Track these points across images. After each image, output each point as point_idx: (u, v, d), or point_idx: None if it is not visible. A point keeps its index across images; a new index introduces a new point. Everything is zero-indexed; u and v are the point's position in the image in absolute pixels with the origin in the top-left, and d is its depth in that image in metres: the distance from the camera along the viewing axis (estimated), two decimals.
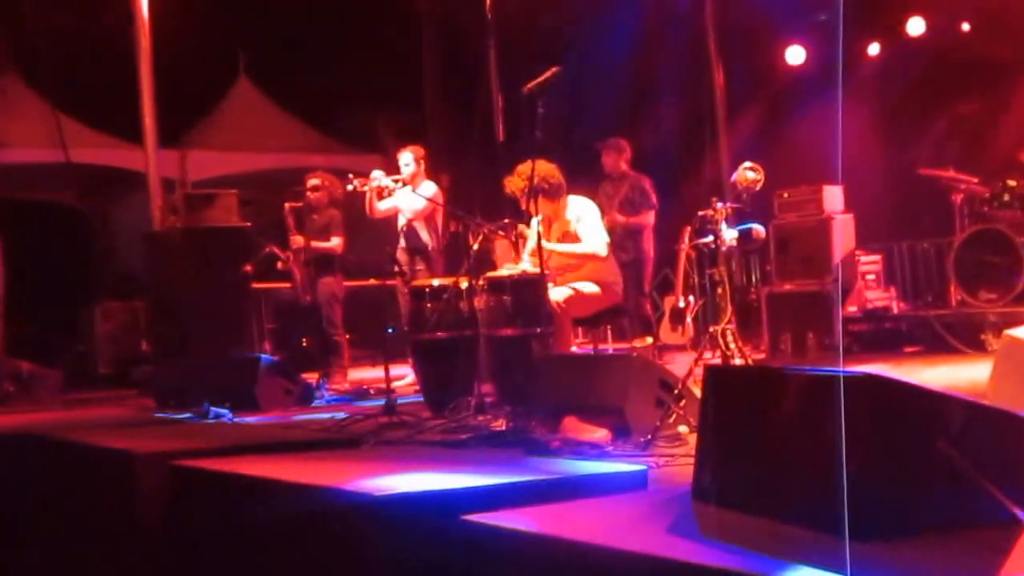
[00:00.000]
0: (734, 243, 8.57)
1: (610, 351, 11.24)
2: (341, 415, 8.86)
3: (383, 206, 11.41)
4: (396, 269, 10.50)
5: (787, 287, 12.60)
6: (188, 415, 9.42)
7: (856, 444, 3.23)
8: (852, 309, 12.34)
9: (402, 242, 11.30)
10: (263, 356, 11.20)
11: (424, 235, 11.27)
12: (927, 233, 13.74)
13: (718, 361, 8.13)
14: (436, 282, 9.30)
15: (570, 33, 15.24)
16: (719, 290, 8.35)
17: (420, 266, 11.21)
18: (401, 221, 11.37)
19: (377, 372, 11.35)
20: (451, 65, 18.25)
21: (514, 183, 8.82)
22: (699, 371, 6.85)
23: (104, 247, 18.89)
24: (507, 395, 8.28)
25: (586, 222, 9.11)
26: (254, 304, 13.05)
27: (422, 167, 11.37)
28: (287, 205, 11.68)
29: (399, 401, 8.85)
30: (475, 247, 8.82)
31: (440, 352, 8.97)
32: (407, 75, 18.69)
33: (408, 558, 4.09)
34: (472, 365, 8.52)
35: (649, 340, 11.26)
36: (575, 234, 9.13)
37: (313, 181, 11.84)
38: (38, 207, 18.07)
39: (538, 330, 8.16)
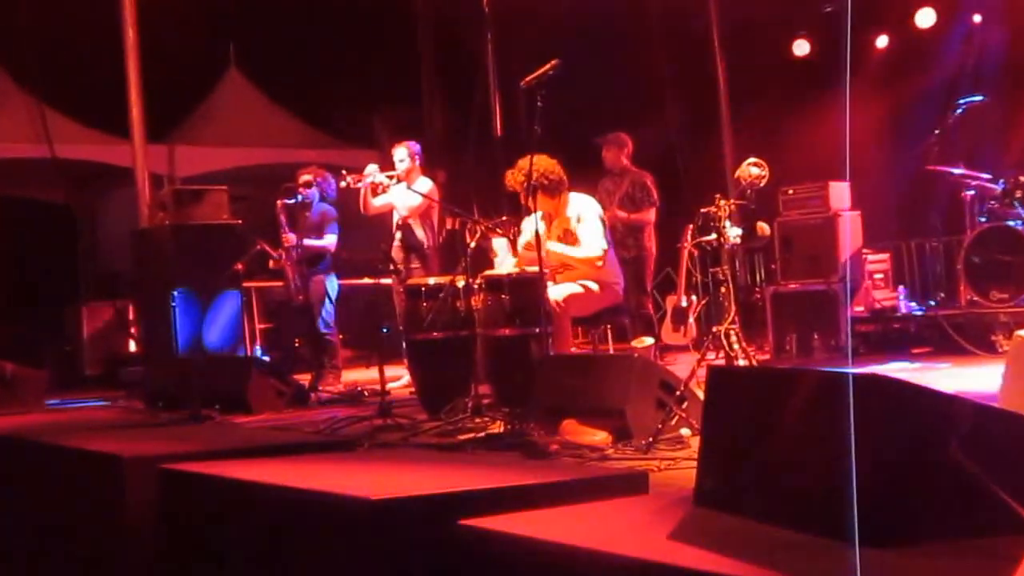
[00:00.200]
0: (738, 241, 8.57)
1: (610, 352, 11.25)
2: (335, 417, 8.87)
3: (378, 203, 11.42)
4: (391, 267, 10.51)
5: (792, 286, 12.61)
6: (178, 417, 9.43)
7: (863, 448, 3.24)
8: (859, 309, 12.36)
9: (397, 240, 11.31)
10: (255, 357, 11.22)
11: (420, 233, 11.28)
12: (936, 231, 13.75)
13: (721, 362, 8.14)
14: (432, 281, 9.31)
15: (570, 25, 15.23)
16: (722, 289, 8.34)
17: (416, 264, 11.23)
18: (396, 218, 11.38)
19: (371, 373, 11.34)
20: (448, 58, 18.25)
21: (514, 178, 8.83)
22: (702, 372, 6.85)
23: (91, 245, 18.88)
24: (505, 397, 8.30)
25: (586, 223, 9.11)
26: (245, 303, 13.05)
27: (417, 163, 11.38)
28: (279, 202, 11.67)
29: (394, 403, 8.87)
30: (472, 245, 8.83)
31: (436, 353, 8.98)
32: (403, 68, 18.69)
33: (404, 563, 4.09)
34: (469, 366, 8.53)
35: (650, 340, 11.26)
36: (575, 232, 9.13)
37: (305, 177, 11.83)
38: (23, 204, 18.06)
39: (536, 330, 8.16)
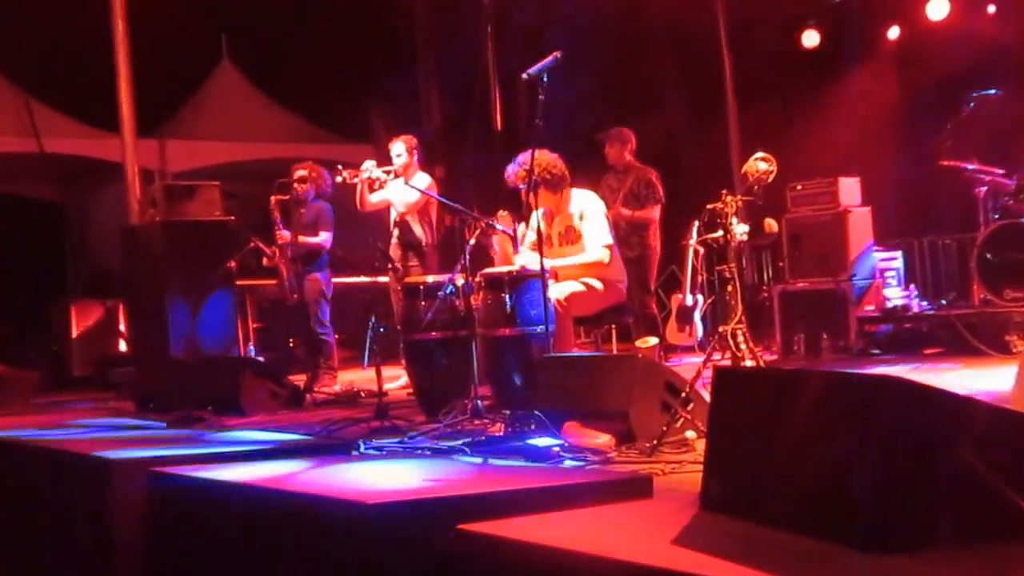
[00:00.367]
0: (745, 238, 8.55)
1: (614, 352, 11.25)
2: (331, 419, 8.87)
3: (374, 199, 11.42)
4: (388, 265, 10.50)
5: (800, 285, 12.61)
6: (169, 419, 9.43)
7: (873, 451, 3.24)
8: (869, 308, 12.35)
9: (395, 237, 11.31)
10: (248, 357, 11.22)
11: (418, 229, 11.28)
12: (949, 228, 13.75)
13: (728, 363, 8.14)
14: (430, 279, 9.31)
15: (571, 16, 15.23)
16: (729, 288, 8.32)
17: (413, 262, 11.23)
18: (393, 215, 11.38)
19: (368, 374, 11.34)
20: (446, 50, 18.24)
21: (515, 174, 8.83)
22: (708, 373, 6.85)
23: (79, 242, 18.89)
24: (505, 398, 8.29)
25: (590, 221, 9.11)
26: (238, 303, 13.05)
27: (415, 158, 11.38)
28: (273, 198, 11.67)
29: (391, 404, 8.86)
30: (471, 242, 8.83)
31: (435, 353, 8.98)
32: (400, 60, 18.69)
33: (401, 569, 4.09)
34: (468, 366, 8.52)
35: (655, 340, 11.25)
36: (578, 229, 9.13)
37: (300, 172, 11.82)
38: (9, 200, 18.08)
39: (538, 330, 8.16)
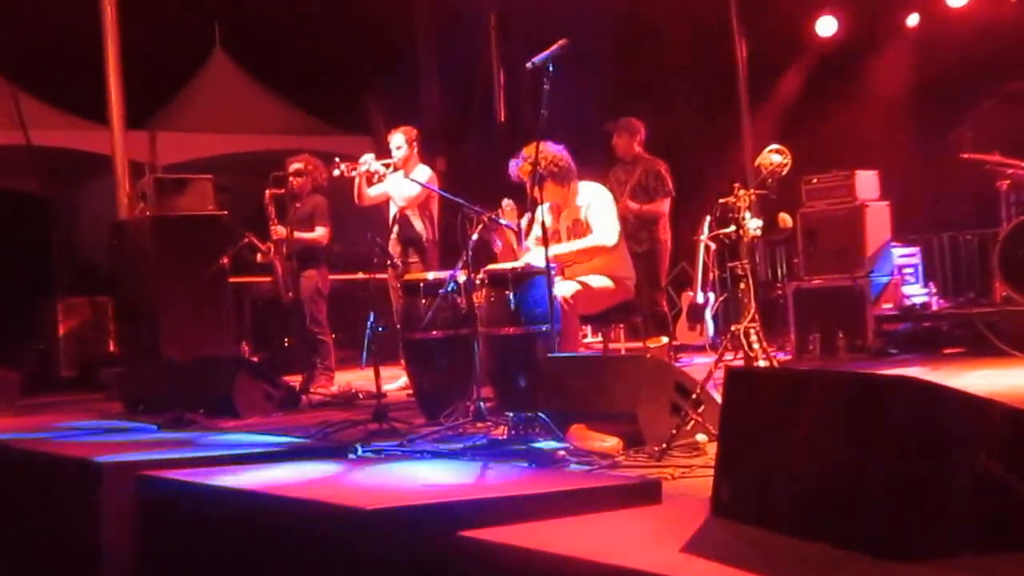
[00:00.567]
0: (758, 233, 8.55)
1: (622, 352, 11.25)
2: (327, 421, 8.87)
3: (373, 193, 11.42)
4: (387, 262, 10.50)
5: (816, 282, 12.61)
6: (159, 421, 9.43)
7: (890, 454, 3.24)
8: (887, 306, 12.34)
9: (394, 232, 11.31)
10: (242, 357, 11.22)
11: (418, 224, 11.28)
12: (970, 223, 13.74)
13: (740, 363, 8.14)
14: (431, 276, 9.31)
15: (580, 2, 15.23)
16: (741, 285, 8.32)
17: (413, 258, 11.23)
18: (393, 209, 11.39)
19: (366, 375, 11.34)
20: (448, 38, 18.25)
21: (519, 166, 8.82)
22: (719, 374, 6.85)
23: (67, 237, 18.89)
24: (508, 400, 8.29)
25: (597, 210, 9.12)
26: (232, 300, 13.06)
27: (415, 150, 11.38)
28: (267, 192, 11.67)
29: (390, 406, 8.87)
30: (474, 237, 8.82)
31: (435, 352, 8.98)
32: (399, 48, 18.69)
33: None
34: (470, 367, 8.52)
35: (664, 340, 11.27)
36: (585, 223, 9.13)
37: (296, 165, 11.82)
38: None
39: (543, 328, 8.16)
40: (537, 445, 6.86)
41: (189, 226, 12.51)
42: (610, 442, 6.72)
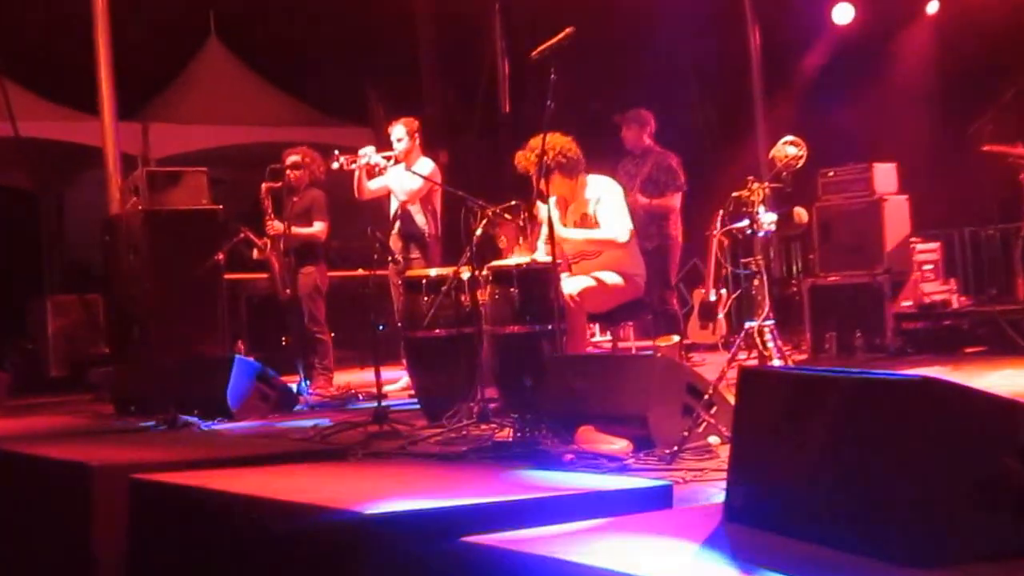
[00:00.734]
0: (772, 228, 8.55)
1: (631, 351, 11.25)
2: (325, 423, 8.87)
3: (373, 186, 11.41)
4: (388, 258, 10.50)
5: (832, 278, 12.60)
6: (151, 423, 9.44)
7: (911, 458, 3.23)
8: (906, 304, 12.33)
9: (395, 227, 11.30)
10: (237, 357, 11.22)
11: (420, 219, 11.28)
12: (992, 218, 13.74)
13: (754, 363, 8.13)
14: (433, 272, 9.30)
15: None
16: (755, 282, 8.33)
17: (415, 254, 11.22)
18: (394, 203, 11.38)
19: (366, 375, 11.35)
20: (451, 26, 18.25)
21: (525, 159, 8.81)
22: (732, 374, 6.84)
23: (56, 232, 18.91)
24: (514, 401, 8.28)
25: (607, 204, 9.10)
26: (227, 298, 13.05)
27: (417, 142, 11.37)
28: (264, 185, 11.66)
29: (391, 408, 8.86)
30: (478, 233, 8.81)
31: (438, 352, 8.98)
32: (400, 37, 18.68)
33: None
34: (474, 367, 8.52)
35: (676, 339, 11.26)
36: (594, 217, 9.12)
37: (293, 158, 11.81)
38: None
39: (549, 327, 8.16)
40: (543, 448, 6.86)
41: (183, 221, 12.51)
42: (619, 445, 6.72)
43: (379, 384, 8.96)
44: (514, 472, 5.69)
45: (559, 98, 7.79)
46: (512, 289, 8.43)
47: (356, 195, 11.41)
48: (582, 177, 9.18)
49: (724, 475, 4.18)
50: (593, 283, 8.91)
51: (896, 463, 3.26)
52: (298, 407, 10.47)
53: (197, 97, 18.12)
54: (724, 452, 6.08)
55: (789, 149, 8.72)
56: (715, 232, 11.42)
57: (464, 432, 7.80)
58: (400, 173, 11.17)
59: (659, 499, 4.61)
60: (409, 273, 9.87)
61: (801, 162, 8.74)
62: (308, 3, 18.47)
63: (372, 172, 11.33)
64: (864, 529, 3.32)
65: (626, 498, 4.57)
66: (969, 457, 3.25)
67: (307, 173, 11.79)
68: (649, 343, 11.18)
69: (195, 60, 18.85)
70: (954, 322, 12.22)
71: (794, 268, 15.53)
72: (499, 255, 9.59)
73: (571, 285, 8.74)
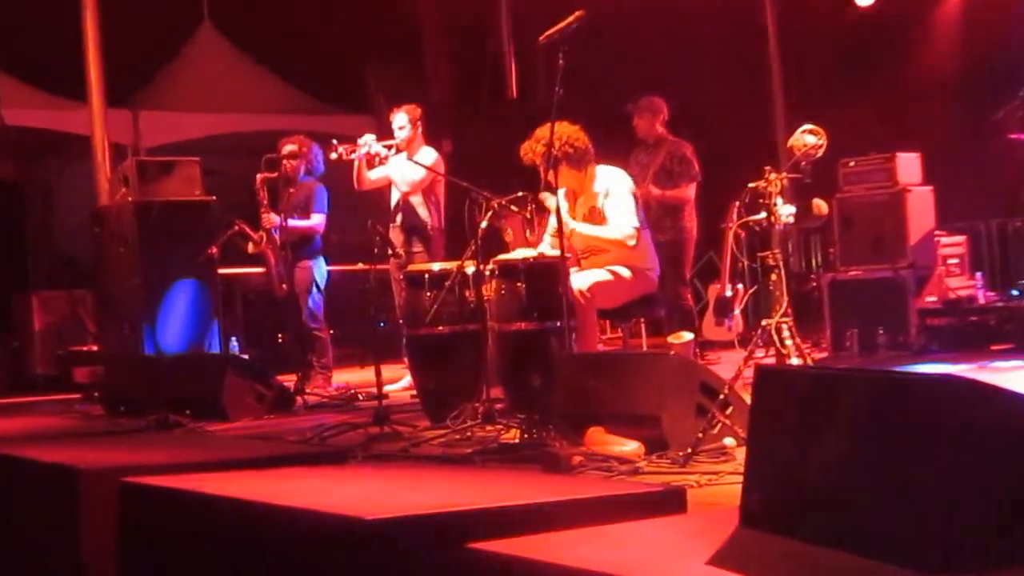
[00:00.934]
0: (791, 220, 8.55)
1: (643, 349, 11.25)
2: (324, 425, 8.88)
3: (374, 176, 11.41)
4: (389, 252, 10.51)
5: (853, 273, 12.60)
6: (142, 424, 9.44)
7: (936, 461, 3.23)
8: (931, 299, 12.33)
9: (396, 219, 11.31)
10: (231, 355, 11.23)
11: (422, 211, 11.28)
12: (1020, 209, 13.72)
13: (771, 361, 8.13)
14: (436, 267, 9.32)
15: None
16: (773, 277, 8.32)
17: (417, 248, 11.23)
18: (395, 195, 11.38)
19: (366, 374, 11.35)
20: (455, 8, 18.23)
21: (531, 150, 8.81)
22: (749, 373, 6.84)
23: (42, 225, 18.91)
24: (520, 401, 8.29)
25: (615, 199, 9.09)
26: (221, 294, 13.06)
27: (420, 130, 11.37)
28: (259, 176, 11.67)
29: (392, 408, 8.87)
30: (483, 225, 8.81)
31: (441, 350, 8.99)
32: (401, 20, 18.67)
33: None
34: (479, 365, 8.52)
35: (690, 336, 11.26)
36: (602, 211, 9.11)
37: (290, 147, 11.82)
38: None
39: (557, 324, 8.16)
40: (551, 449, 6.86)
41: (175, 213, 12.51)
42: (631, 447, 6.72)
43: (380, 384, 8.96)
44: (521, 475, 5.70)
45: (568, 84, 7.79)
46: (519, 284, 8.43)
47: (356, 186, 11.41)
48: (591, 168, 9.17)
49: (740, 478, 4.17)
50: (604, 278, 8.91)
51: (922, 466, 3.26)
52: (295, 407, 10.48)
53: (190, 83, 18.11)
54: (740, 454, 6.08)
55: (808, 138, 8.71)
56: (731, 225, 11.42)
57: (469, 434, 7.81)
58: (402, 163, 11.17)
59: (672, 504, 4.61)
60: (411, 268, 9.88)
61: (821, 151, 8.74)
62: None
63: (372, 162, 11.33)
64: (888, 534, 3.32)
65: (638, 502, 4.57)
66: (999, 460, 3.25)
67: (304, 163, 11.81)
68: (662, 341, 11.19)
69: (188, 45, 18.84)
70: (981, 318, 12.20)
71: (813, 262, 15.53)
72: (505, 249, 9.59)
73: (581, 280, 8.74)
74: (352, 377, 12.55)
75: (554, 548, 3.77)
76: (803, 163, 8.68)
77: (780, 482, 3.86)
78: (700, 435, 6.61)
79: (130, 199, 12.69)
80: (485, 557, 3.82)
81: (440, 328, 8.91)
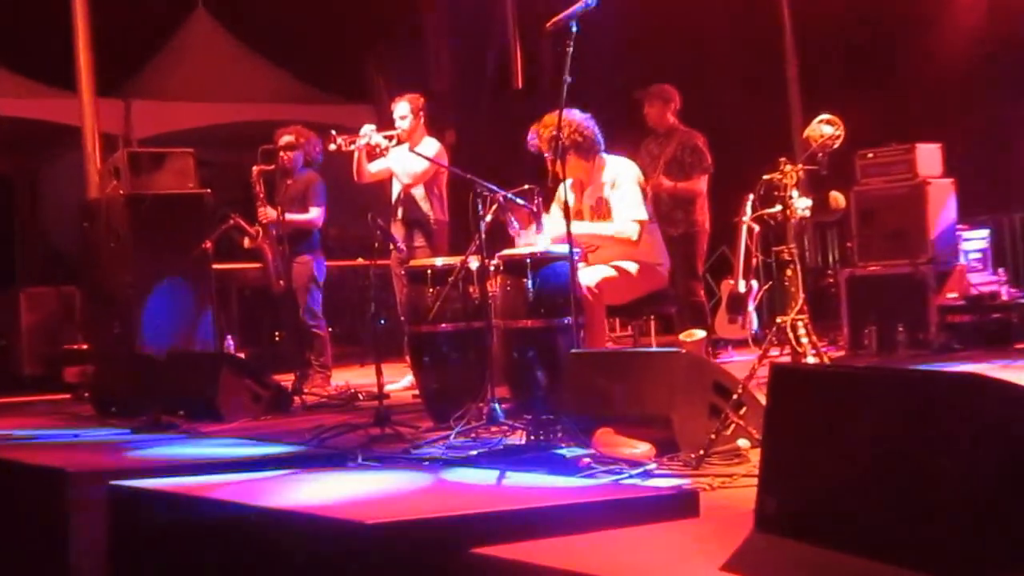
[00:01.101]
0: (807, 214, 8.55)
1: (654, 347, 11.24)
2: (323, 425, 8.87)
3: (374, 168, 11.41)
4: (390, 246, 10.50)
5: (872, 268, 12.59)
6: (133, 425, 9.44)
7: (958, 463, 3.22)
8: (952, 296, 12.32)
9: (398, 213, 11.31)
10: (226, 354, 11.23)
11: (424, 204, 11.28)
12: None
13: (787, 359, 8.13)
14: (439, 262, 9.31)
15: None
16: (788, 272, 8.33)
17: (419, 242, 11.23)
18: (396, 187, 11.38)
19: (367, 373, 11.35)
20: None
21: (539, 134, 8.80)
22: (763, 372, 6.84)
23: (30, 219, 18.93)
24: (526, 401, 8.29)
25: (621, 191, 9.07)
26: (216, 290, 13.06)
27: (422, 120, 11.37)
28: (255, 168, 11.67)
29: (393, 408, 8.87)
30: (487, 219, 8.80)
31: (444, 348, 8.99)
32: (403, 6, 18.67)
33: None
34: (483, 364, 8.51)
35: (702, 333, 11.25)
36: (608, 201, 9.10)
37: (287, 138, 11.82)
38: None
39: (565, 321, 8.15)
40: (559, 452, 6.86)
41: (167, 206, 12.50)
42: (641, 448, 6.71)
43: (380, 383, 8.96)
44: (527, 478, 5.69)
45: (576, 73, 7.79)
46: (525, 280, 8.42)
47: (355, 178, 11.41)
48: (599, 158, 9.16)
49: (754, 481, 4.17)
50: (613, 273, 8.90)
51: (944, 469, 3.25)
52: (293, 408, 10.48)
53: (183, 72, 18.13)
54: (754, 456, 6.08)
55: (825, 128, 8.71)
56: (745, 218, 11.44)
57: (473, 435, 7.80)
58: (403, 154, 11.16)
59: (684, 507, 4.61)
60: (413, 263, 9.88)
61: (838, 142, 8.74)
62: None
63: (373, 153, 11.32)
64: (909, 539, 3.32)
65: (649, 506, 4.57)
66: (1021, 460, 3.25)
67: (302, 154, 11.80)
68: (673, 338, 11.18)
69: (181, 32, 18.87)
70: (1003, 315, 12.20)
71: (830, 257, 15.53)
72: (510, 243, 9.59)
73: (589, 276, 8.73)
74: (352, 376, 12.55)
75: (562, 554, 3.77)
76: (820, 154, 8.68)
77: (796, 485, 3.86)
78: (713, 436, 6.61)
79: (121, 192, 12.69)
80: (490, 563, 3.82)
81: (443, 325, 8.91)
